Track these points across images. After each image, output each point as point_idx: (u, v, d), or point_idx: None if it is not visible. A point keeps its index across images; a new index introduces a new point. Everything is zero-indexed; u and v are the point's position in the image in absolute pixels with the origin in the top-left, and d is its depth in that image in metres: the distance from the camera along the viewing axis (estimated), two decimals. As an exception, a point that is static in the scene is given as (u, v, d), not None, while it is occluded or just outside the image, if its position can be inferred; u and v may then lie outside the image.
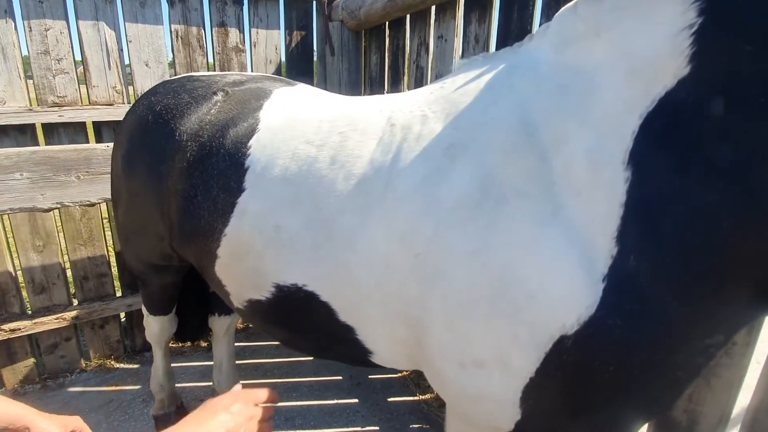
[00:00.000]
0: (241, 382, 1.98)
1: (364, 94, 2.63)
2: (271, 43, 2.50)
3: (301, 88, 1.35)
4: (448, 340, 0.78)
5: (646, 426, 1.12)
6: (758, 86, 0.52)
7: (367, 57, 2.58)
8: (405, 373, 2.28)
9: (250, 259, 1.05)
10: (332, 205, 0.91)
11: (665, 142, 0.59)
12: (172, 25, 2.22)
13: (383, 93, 2.41)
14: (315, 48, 2.65)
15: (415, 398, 2.12)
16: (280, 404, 2.06)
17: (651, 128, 0.60)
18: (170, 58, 2.25)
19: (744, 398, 0.92)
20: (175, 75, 2.26)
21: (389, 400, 2.12)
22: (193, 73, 1.47)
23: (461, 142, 0.78)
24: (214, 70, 2.36)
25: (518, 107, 0.74)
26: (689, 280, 0.60)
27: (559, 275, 0.65)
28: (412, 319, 0.85)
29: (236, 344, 2.12)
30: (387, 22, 2.26)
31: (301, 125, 1.05)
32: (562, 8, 0.76)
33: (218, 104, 1.25)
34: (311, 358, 2.40)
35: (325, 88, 2.66)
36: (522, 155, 0.71)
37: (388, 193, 0.84)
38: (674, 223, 0.58)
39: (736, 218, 0.55)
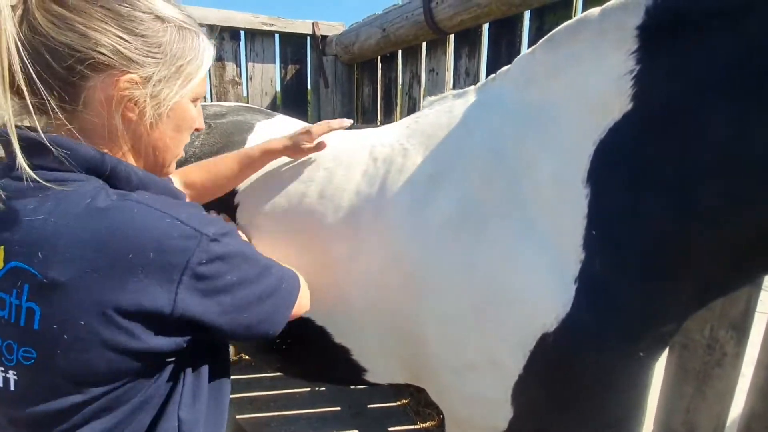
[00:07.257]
0: (236, 416, 1.93)
1: (357, 124, 2.72)
2: (266, 76, 2.60)
3: (280, 120, 1.37)
4: (441, 349, 0.84)
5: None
6: (687, 120, 0.62)
7: (359, 89, 2.69)
8: (404, 401, 2.24)
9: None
10: (325, 236, 0.96)
11: (616, 163, 0.69)
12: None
13: (376, 122, 2.50)
14: (309, 80, 2.76)
15: (416, 426, 2.08)
16: (276, 437, 2.00)
17: (604, 152, 0.70)
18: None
19: (737, 407, 0.95)
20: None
21: (390, 429, 2.08)
22: None
23: (442, 171, 0.87)
24: (212, 102, 2.43)
25: (490, 138, 0.83)
26: (645, 278, 0.69)
27: (537, 281, 0.73)
28: (406, 334, 0.89)
29: (231, 376, 2.07)
30: (379, 56, 2.38)
31: (287, 161, 1.09)
32: (522, 53, 0.87)
33: (201, 137, 1.28)
34: (308, 389, 2.35)
35: (320, 118, 2.75)
36: (497, 180, 0.79)
37: (378, 221, 0.90)
38: (628, 230, 0.68)
39: (677, 226, 0.65)
